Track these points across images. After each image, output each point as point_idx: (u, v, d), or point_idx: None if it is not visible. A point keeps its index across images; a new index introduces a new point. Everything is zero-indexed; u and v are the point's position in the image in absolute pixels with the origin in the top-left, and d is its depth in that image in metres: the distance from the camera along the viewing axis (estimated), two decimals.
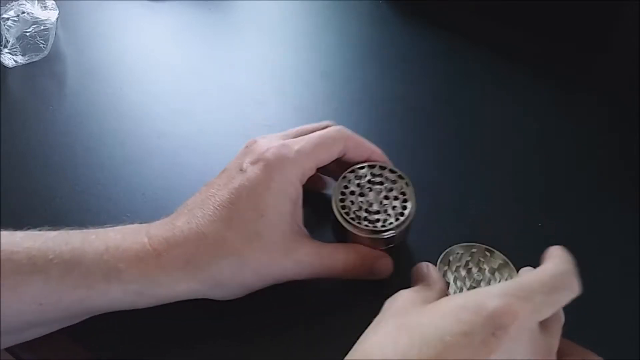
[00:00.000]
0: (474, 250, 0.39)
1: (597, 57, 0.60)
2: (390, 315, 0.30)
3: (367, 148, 0.39)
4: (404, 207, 0.37)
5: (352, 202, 0.37)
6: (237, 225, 0.33)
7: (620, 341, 0.36)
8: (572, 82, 0.57)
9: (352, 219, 0.36)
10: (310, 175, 0.36)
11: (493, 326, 0.25)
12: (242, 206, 0.33)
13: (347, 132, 0.38)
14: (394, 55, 0.60)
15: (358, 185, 0.38)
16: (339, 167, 0.39)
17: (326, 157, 0.37)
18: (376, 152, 0.39)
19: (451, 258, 0.39)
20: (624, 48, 0.61)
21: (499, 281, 0.37)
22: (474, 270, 0.38)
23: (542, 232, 0.42)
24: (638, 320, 0.36)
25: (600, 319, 0.37)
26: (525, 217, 0.43)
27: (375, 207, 0.37)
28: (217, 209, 0.33)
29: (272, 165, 0.34)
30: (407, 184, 0.38)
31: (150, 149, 0.48)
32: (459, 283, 0.37)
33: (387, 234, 0.36)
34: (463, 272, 0.38)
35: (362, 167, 0.38)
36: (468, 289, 0.37)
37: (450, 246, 0.39)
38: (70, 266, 0.31)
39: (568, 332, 0.36)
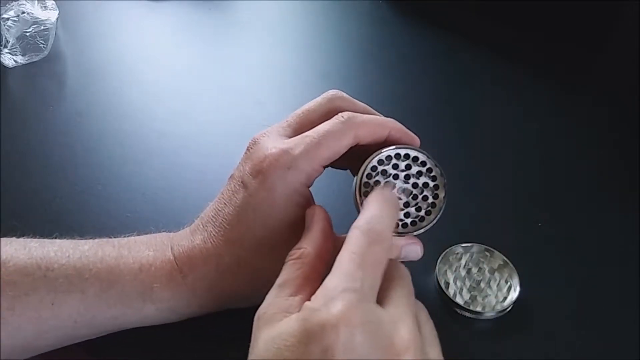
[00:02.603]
0: (474, 250, 0.39)
1: (597, 57, 0.60)
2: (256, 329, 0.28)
3: (382, 128, 0.34)
4: (435, 196, 0.33)
5: None
6: (250, 244, 0.33)
7: (620, 341, 0.36)
8: (572, 82, 0.57)
9: None
10: (318, 175, 0.34)
11: (320, 351, 0.24)
12: (250, 224, 0.33)
13: (356, 120, 0.33)
14: (394, 55, 0.60)
15: (383, 174, 0.33)
16: (354, 156, 0.34)
17: (332, 154, 0.33)
18: (394, 128, 0.34)
19: (451, 258, 0.39)
20: (624, 48, 0.61)
21: (499, 281, 0.37)
22: (474, 270, 0.38)
23: (542, 232, 0.42)
24: (638, 320, 0.36)
25: (601, 319, 0.37)
26: (525, 217, 0.43)
27: (403, 200, 0.33)
28: (227, 227, 0.33)
29: (272, 178, 0.32)
30: (435, 165, 0.33)
31: (150, 149, 0.48)
32: (458, 283, 0.37)
33: (417, 231, 0.34)
34: (463, 272, 0.38)
35: (385, 156, 0.33)
36: (468, 289, 0.37)
37: (450, 246, 0.39)
38: (106, 286, 0.31)
39: (568, 332, 0.36)
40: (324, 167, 0.34)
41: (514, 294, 0.36)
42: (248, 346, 0.27)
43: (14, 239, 0.33)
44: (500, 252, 0.39)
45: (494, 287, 0.37)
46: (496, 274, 0.38)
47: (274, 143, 0.33)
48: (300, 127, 0.35)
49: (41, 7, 0.56)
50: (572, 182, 0.46)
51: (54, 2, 0.58)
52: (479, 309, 0.36)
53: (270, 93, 0.54)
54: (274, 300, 0.28)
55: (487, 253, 0.39)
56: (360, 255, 0.27)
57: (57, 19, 0.57)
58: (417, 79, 0.57)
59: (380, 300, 0.27)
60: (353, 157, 0.34)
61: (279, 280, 0.29)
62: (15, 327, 0.30)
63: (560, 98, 0.55)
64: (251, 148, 0.34)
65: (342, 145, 0.33)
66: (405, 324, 0.26)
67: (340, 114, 0.34)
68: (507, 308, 0.36)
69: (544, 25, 0.62)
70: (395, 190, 0.33)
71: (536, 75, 0.57)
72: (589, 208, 0.44)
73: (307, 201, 0.34)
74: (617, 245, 0.41)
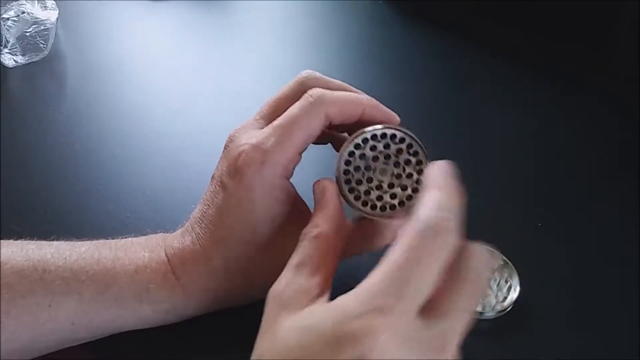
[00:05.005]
0: None
1: (597, 57, 0.60)
2: (268, 317, 0.26)
3: (355, 105, 0.32)
4: (420, 172, 0.32)
5: (360, 181, 0.32)
6: (236, 244, 0.32)
7: (620, 341, 0.36)
8: (572, 82, 0.57)
9: (365, 203, 0.32)
10: (295, 165, 0.33)
11: (355, 356, 0.22)
12: (233, 225, 0.32)
13: (325, 98, 0.32)
14: (394, 55, 0.60)
15: (361, 157, 0.32)
16: (332, 135, 0.34)
17: (305, 138, 0.32)
18: (369, 105, 0.33)
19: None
20: (624, 48, 0.61)
21: (499, 281, 0.37)
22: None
23: (542, 232, 0.42)
24: (638, 320, 0.36)
25: (601, 319, 0.37)
26: (525, 217, 0.43)
27: (387, 181, 0.32)
28: (212, 228, 0.33)
29: (248, 177, 0.31)
30: (415, 141, 0.32)
31: (150, 149, 0.48)
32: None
33: (406, 211, 0.32)
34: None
35: (362, 139, 0.32)
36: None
37: None
38: (102, 287, 0.31)
39: (568, 332, 0.36)
40: (301, 154, 0.33)
41: (514, 294, 0.36)
42: (249, 346, 0.27)
43: (11, 241, 0.33)
44: (500, 252, 0.39)
45: (494, 287, 0.37)
46: (496, 274, 0.38)
47: (246, 139, 0.32)
48: (273, 117, 0.33)
49: (41, 7, 0.56)
50: (572, 182, 0.46)
51: (54, 2, 0.58)
52: (479, 309, 0.36)
53: (270, 93, 0.54)
54: (293, 279, 0.26)
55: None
56: (416, 261, 0.23)
57: (57, 19, 0.57)
58: (417, 79, 0.56)
59: (432, 306, 0.24)
60: (331, 131, 0.33)
61: (294, 260, 0.27)
62: (12, 330, 0.30)
63: (560, 98, 0.55)
64: (227, 146, 0.34)
65: (313, 128, 0.32)
66: (451, 344, 0.24)
67: (307, 93, 0.32)
68: (507, 308, 0.36)
69: (544, 25, 0.62)
70: (377, 172, 0.32)
71: (536, 75, 0.57)
72: (589, 208, 0.44)
73: (288, 195, 0.33)
74: (617, 245, 0.41)
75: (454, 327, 0.24)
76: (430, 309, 0.24)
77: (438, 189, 0.26)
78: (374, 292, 0.23)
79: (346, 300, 0.23)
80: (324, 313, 0.23)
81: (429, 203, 0.25)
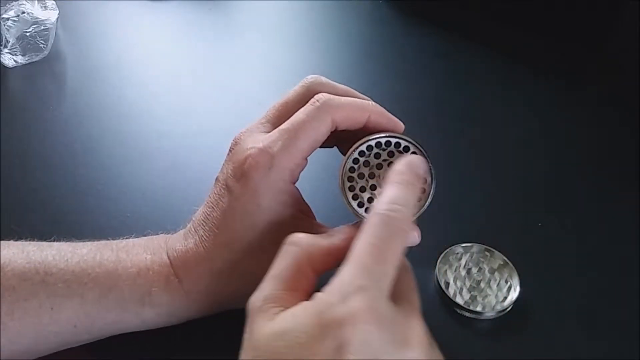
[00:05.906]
0: (474, 250, 0.39)
1: (598, 56, 0.60)
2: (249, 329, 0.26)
3: (361, 111, 0.32)
4: (424, 181, 0.32)
5: (363, 189, 0.32)
6: (240, 248, 0.32)
7: (621, 341, 0.36)
8: (573, 82, 0.57)
9: (368, 210, 0.32)
10: (301, 169, 0.33)
11: (335, 347, 0.22)
12: (238, 228, 0.32)
13: (332, 103, 0.32)
14: (394, 55, 0.60)
15: (365, 165, 0.32)
16: (338, 139, 0.34)
17: (312, 143, 0.32)
18: (375, 111, 0.33)
19: (451, 258, 0.39)
20: (624, 48, 0.61)
21: (499, 281, 0.37)
22: (474, 270, 0.38)
23: (542, 232, 0.42)
24: (638, 320, 0.36)
25: (601, 319, 0.37)
26: (525, 217, 0.43)
27: None
28: (216, 231, 0.32)
29: (254, 181, 0.31)
30: (419, 149, 0.32)
31: (150, 149, 0.48)
32: (458, 283, 0.37)
33: None
34: (463, 272, 0.38)
35: (366, 146, 0.32)
36: (468, 289, 0.37)
37: (450, 246, 0.39)
38: (105, 290, 0.31)
39: (568, 332, 0.36)
40: (307, 159, 0.33)
41: (514, 294, 0.36)
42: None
43: (11, 242, 0.33)
44: (500, 252, 0.39)
45: (494, 287, 0.37)
46: (496, 274, 0.38)
47: (252, 142, 0.32)
48: (279, 121, 0.33)
49: (41, 7, 0.56)
50: (573, 182, 0.46)
51: (54, 2, 0.58)
52: (479, 309, 0.36)
53: (270, 93, 0.54)
54: (272, 293, 0.26)
55: (487, 253, 0.39)
56: (379, 248, 0.25)
57: (57, 19, 0.57)
58: (417, 79, 0.57)
59: (391, 292, 0.26)
60: (337, 136, 0.33)
61: (272, 271, 0.27)
62: (15, 333, 0.30)
63: (561, 98, 0.55)
64: (232, 149, 0.33)
65: (320, 133, 0.32)
66: (416, 319, 0.26)
67: (314, 98, 0.32)
68: (507, 308, 0.36)
69: (544, 25, 0.62)
70: (380, 180, 0.32)
71: (536, 75, 0.57)
72: (590, 208, 0.44)
73: (294, 199, 0.33)
74: (617, 245, 0.41)
75: (414, 305, 0.27)
76: (392, 291, 0.26)
77: (395, 184, 0.28)
78: (347, 280, 0.25)
79: (322, 294, 0.25)
80: (302, 311, 0.24)
81: (383, 198, 0.28)
